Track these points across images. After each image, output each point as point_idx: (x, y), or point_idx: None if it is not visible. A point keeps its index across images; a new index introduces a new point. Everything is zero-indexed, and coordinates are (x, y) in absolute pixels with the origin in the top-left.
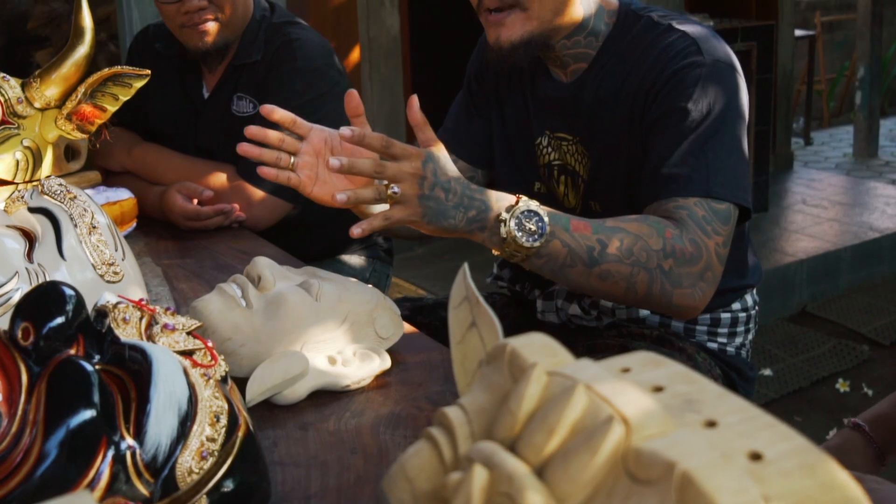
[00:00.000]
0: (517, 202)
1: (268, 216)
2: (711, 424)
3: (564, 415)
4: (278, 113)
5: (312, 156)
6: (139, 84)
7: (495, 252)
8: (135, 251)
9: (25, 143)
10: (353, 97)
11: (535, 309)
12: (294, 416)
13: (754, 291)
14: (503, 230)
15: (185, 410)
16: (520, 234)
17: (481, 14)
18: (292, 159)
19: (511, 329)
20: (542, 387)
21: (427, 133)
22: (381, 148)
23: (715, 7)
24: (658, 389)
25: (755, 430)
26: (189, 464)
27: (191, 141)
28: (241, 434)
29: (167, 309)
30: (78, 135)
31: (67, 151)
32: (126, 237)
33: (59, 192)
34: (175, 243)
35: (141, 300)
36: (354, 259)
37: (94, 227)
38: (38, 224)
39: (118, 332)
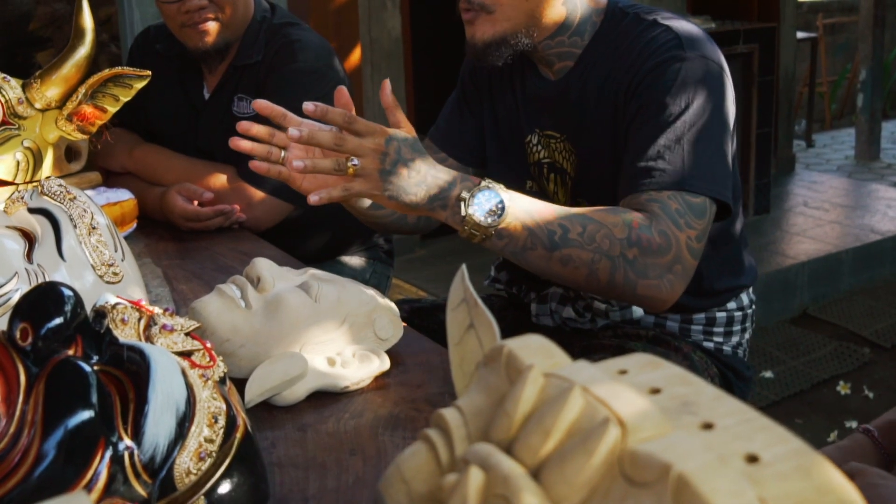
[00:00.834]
0: (478, 182)
1: (268, 217)
2: (708, 427)
3: (561, 417)
4: (269, 108)
5: (302, 150)
6: (140, 85)
7: (463, 235)
8: (135, 252)
9: (26, 143)
10: (342, 94)
11: (531, 312)
12: (293, 417)
13: (750, 291)
14: (463, 208)
15: (183, 411)
16: (478, 212)
17: (461, 10)
18: (283, 153)
19: (507, 332)
20: (539, 389)
21: (398, 115)
22: (343, 123)
23: (717, 9)
24: (655, 391)
25: (751, 432)
26: (187, 465)
27: (191, 142)
28: (239, 435)
29: (166, 310)
30: (78, 135)
31: (68, 152)
32: (126, 238)
33: (58, 192)
34: (175, 244)
35: (140, 301)
36: (354, 260)
37: (94, 228)
38: (38, 225)
39: (117, 332)
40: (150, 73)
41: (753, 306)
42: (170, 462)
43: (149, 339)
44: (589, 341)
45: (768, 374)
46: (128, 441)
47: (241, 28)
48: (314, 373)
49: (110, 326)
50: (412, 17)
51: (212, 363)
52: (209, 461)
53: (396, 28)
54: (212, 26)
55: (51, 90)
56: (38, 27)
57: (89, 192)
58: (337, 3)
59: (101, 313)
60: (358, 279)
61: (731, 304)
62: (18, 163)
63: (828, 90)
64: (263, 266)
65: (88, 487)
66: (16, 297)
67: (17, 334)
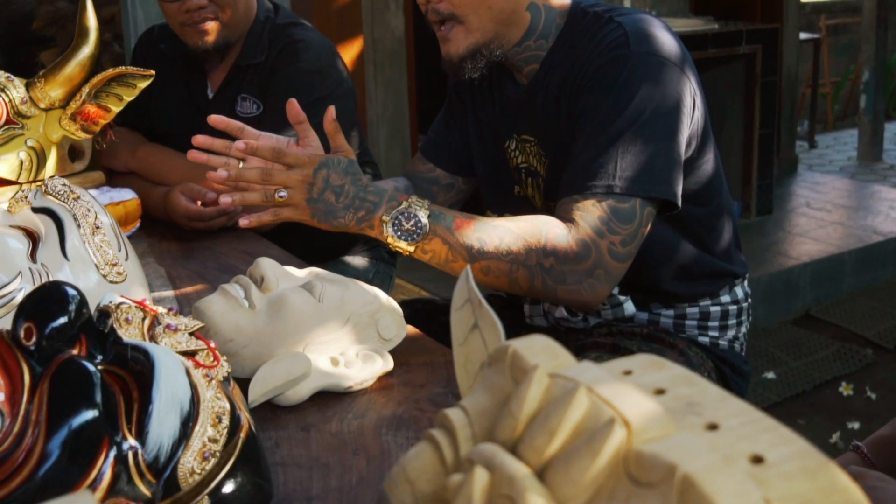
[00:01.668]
0: (401, 203)
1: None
2: (713, 427)
3: (566, 417)
4: (224, 122)
5: (261, 162)
6: (143, 84)
7: (393, 250)
8: (138, 252)
9: (29, 143)
10: (292, 106)
11: (524, 313)
12: (296, 417)
13: (745, 284)
14: (384, 229)
15: (187, 411)
16: (397, 233)
17: (433, 27)
18: (241, 164)
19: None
20: (544, 389)
21: (337, 141)
22: (272, 158)
23: (720, 10)
24: (660, 392)
25: (757, 432)
26: (191, 464)
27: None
28: (243, 435)
29: (170, 309)
30: (82, 135)
31: (71, 151)
32: (129, 237)
33: (62, 192)
34: (178, 244)
35: (144, 301)
36: (358, 260)
37: (98, 228)
38: (42, 224)
39: (121, 332)
40: (153, 72)
41: (749, 300)
42: (174, 462)
43: (153, 338)
44: (584, 340)
45: (770, 375)
46: (132, 441)
47: (243, 28)
48: (317, 373)
49: (114, 326)
50: (415, 17)
51: (216, 363)
52: (213, 461)
53: (399, 28)
54: (211, 26)
55: (54, 89)
56: (41, 26)
57: (93, 192)
58: (340, 3)
59: (105, 313)
60: (361, 279)
61: (725, 298)
62: (22, 162)
63: (831, 91)
64: (267, 266)
65: (92, 487)
66: (20, 297)
67: (22, 333)
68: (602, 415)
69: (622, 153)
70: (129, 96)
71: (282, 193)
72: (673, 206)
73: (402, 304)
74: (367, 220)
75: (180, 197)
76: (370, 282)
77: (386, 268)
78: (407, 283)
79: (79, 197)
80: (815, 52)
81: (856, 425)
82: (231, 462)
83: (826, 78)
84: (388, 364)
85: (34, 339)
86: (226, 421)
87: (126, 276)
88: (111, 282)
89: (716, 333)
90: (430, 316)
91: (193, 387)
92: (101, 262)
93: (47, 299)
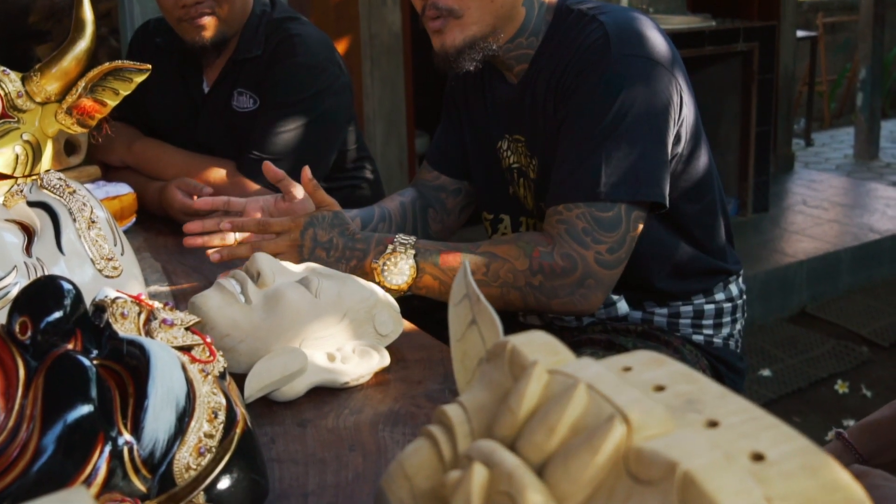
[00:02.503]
0: (387, 246)
1: None
2: (713, 424)
3: (565, 413)
4: (209, 203)
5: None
6: (140, 79)
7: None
8: (134, 246)
9: (25, 137)
10: (268, 168)
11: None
12: (292, 412)
13: (740, 281)
14: (377, 276)
15: (182, 406)
16: (389, 278)
17: (425, 22)
18: (237, 236)
19: None
20: (543, 385)
21: (319, 196)
22: (259, 230)
23: (717, 7)
24: (659, 389)
25: (757, 430)
26: (186, 460)
27: (191, 136)
28: (239, 430)
29: (165, 304)
30: (78, 129)
31: (67, 146)
32: (125, 232)
33: (58, 186)
34: (174, 239)
35: (139, 295)
36: None
37: (94, 222)
38: (37, 218)
39: (116, 327)
40: (149, 67)
41: (744, 296)
42: (169, 457)
43: (149, 333)
44: (578, 336)
45: (766, 373)
46: (127, 436)
47: (240, 22)
48: (314, 368)
49: (110, 321)
50: (412, 13)
51: (212, 358)
52: (209, 456)
53: (396, 23)
54: (208, 21)
55: (50, 84)
56: (37, 20)
57: (88, 186)
58: None
59: (100, 307)
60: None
61: (720, 295)
62: (17, 156)
63: (827, 89)
64: (263, 261)
65: (87, 482)
66: (15, 291)
67: (17, 328)
68: (602, 411)
69: (605, 160)
70: (125, 91)
71: None
72: (661, 206)
73: (399, 299)
74: (360, 267)
75: (176, 191)
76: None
77: None
78: None
79: (74, 191)
80: (812, 49)
81: (851, 423)
82: (227, 458)
83: (823, 76)
84: (384, 360)
85: (29, 333)
86: (222, 416)
87: (122, 270)
88: (107, 276)
89: (710, 332)
90: (426, 312)
91: (189, 382)
92: (96, 257)
93: (42, 293)
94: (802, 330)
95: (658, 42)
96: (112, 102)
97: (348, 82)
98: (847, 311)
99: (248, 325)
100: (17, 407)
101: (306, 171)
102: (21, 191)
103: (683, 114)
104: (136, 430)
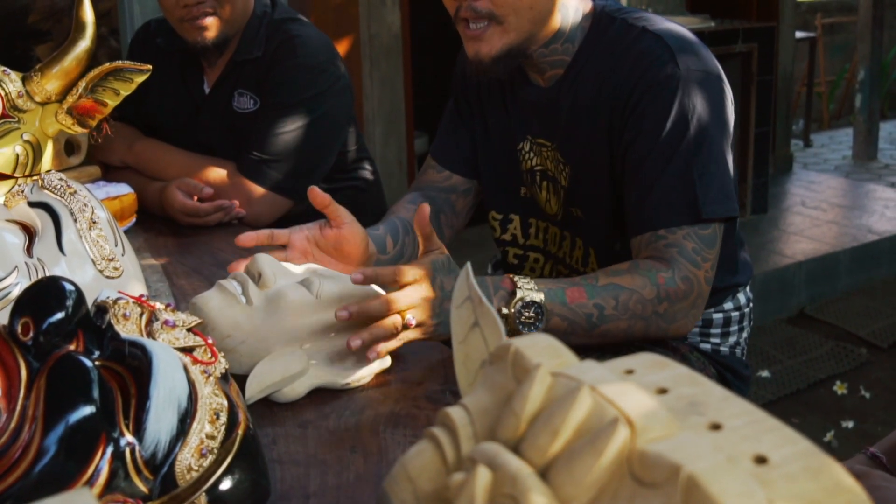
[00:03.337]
0: (513, 289)
1: (268, 213)
2: (716, 427)
3: (569, 416)
4: (252, 238)
5: (301, 258)
6: (140, 79)
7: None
8: (134, 247)
9: (25, 137)
10: (314, 194)
11: None
12: (293, 414)
13: (747, 289)
14: (508, 323)
15: (184, 407)
16: (520, 326)
17: (458, 24)
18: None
19: None
20: (547, 388)
21: (433, 240)
22: (392, 283)
23: (716, 8)
24: (662, 391)
25: (760, 433)
26: (188, 461)
27: (191, 137)
28: (240, 432)
29: (167, 305)
30: (78, 129)
31: (68, 146)
32: (126, 233)
33: (59, 186)
34: (175, 239)
35: (141, 296)
36: None
37: (94, 223)
38: (38, 218)
39: (118, 327)
40: (150, 67)
41: (751, 304)
42: (171, 458)
43: (150, 334)
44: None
45: (765, 374)
46: (129, 437)
47: (241, 23)
48: (315, 369)
49: (112, 322)
50: (412, 14)
51: (214, 359)
52: (211, 458)
53: (396, 24)
54: (210, 21)
55: (51, 84)
56: (37, 20)
57: (89, 186)
58: None
59: (102, 308)
60: None
61: (728, 305)
62: (18, 156)
63: (826, 90)
64: (264, 262)
65: (89, 483)
66: (16, 292)
67: (19, 329)
68: (605, 414)
69: (698, 179)
70: (125, 91)
71: (410, 319)
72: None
73: None
74: None
75: (177, 192)
76: None
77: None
78: None
79: (75, 191)
80: (811, 50)
81: (850, 424)
82: (229, 459)
83: (822, 77)
84: (385, 361)
85: (31, 334)
86: (223, 417)
87: (123, 271)
88: (108, 277)
89: (717, 340)
90: None
91: (191, 383)
92: (97, 257)
93: (44, 294)
94: (801, 331)
95: (710, 54)
96: (112, 103)
97: (348, 83)
98: (846, 313)
99: (249, 325)
100: (19, 408)
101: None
102: (22, 191)
103: (732, 125)
104: (138, 432)
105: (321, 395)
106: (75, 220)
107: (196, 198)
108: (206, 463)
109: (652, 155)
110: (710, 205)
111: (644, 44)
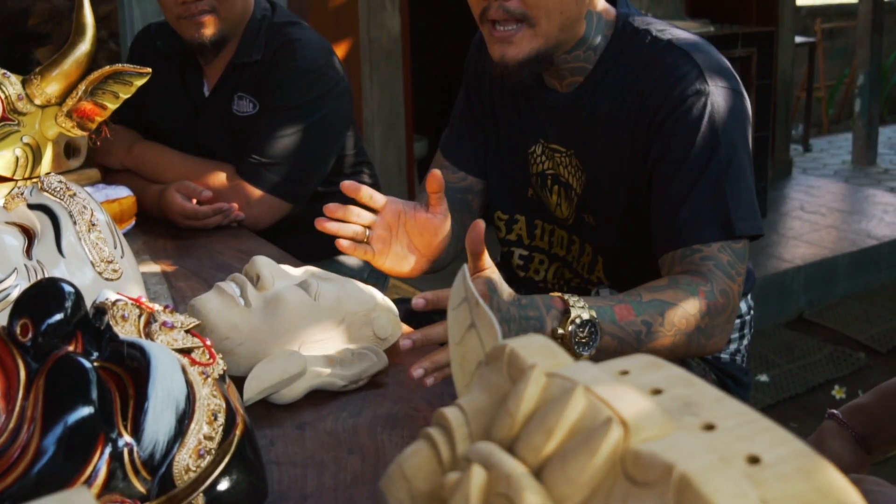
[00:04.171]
0: (564, 308)
1: (267, 216)
2: (710, 427)
3: (563, 416)
4: (361, 190)
5: (386, 230)
6: (140, 82)
7: None
8: (133, 249)
9: (25, 139)
10: (435, 178)
11: None
12: (291, 415)
13: (749, 297)
14: (562, 344)
15: (182, 408)
16: (576, 346)
17: (484, 25)
18: (367, 232)
19: None
20: (541, 388)
21: (484, 259)
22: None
23: (716, 13)
24: (657, 392)
25: (753, 433)
26: (186, 462)
27: (191, 139)
28: (238, 433)
29: (166, 307)
30: (78, 132)
31: (67, 149)
32: (125, 235)
33: (58, 189)
34: (174, 242)
35: (139, 298)
36: (353, 259)
37: (94, 225)
38: (38, 221)
39: (117, 329)
40: (150, 70)
41: (752, 312)
42: (169, 459)
43: (149, 335)
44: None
45: (764, 378)
46: (127, 437)
47: (240, 24)
48: (313, 371)
49: (110, 323)
50: (411, 17)
51: (212, 361)
52: (208, 458)
53: (395, 27)
54: (208, 19)
55: (51, 86)
56: (37, 23)
57: (88, 189)
58: (336, 2)
59: (101, 310)
60: (356, 278)
61: None
62: (18, 159)
63: (825, 95)
64: (263, 264)
65: (88, 483)
66: (15, 293)
67: (18, 330)
68: (599, 414)
69: (730, 195)
70: (125, 94)
71: None
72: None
73: (397, 302)
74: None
75: (176, 195)
76: (365, 281)
77: None
78: (401, 282)
79: (75, 194)
80: (811, 55)
81: None
82: (226, 460)
83: (821, 81)
84: (382, 363)
85: (30, 335)
86: (221, 419)
87: (122, 273)
88: (107, 279)
89: None
90: (425, 315)
91: (189, 384)
92: (96, 259)
93: (44, 296)
94: (800, 335)
95: (732, 68)
96: (112, 105)
97: (347, 87)
98: (844, 317)
99: (247, 327)
100: (17, 408)
101: (479, 225)
102: (21, 193)
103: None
104: (137, 432)
105: (319, 397)
106: (74, 223)
107: (195, 201)
108: (203, 464)
109: (682, 171)
110: (742, 221)
111: (670, 58)
